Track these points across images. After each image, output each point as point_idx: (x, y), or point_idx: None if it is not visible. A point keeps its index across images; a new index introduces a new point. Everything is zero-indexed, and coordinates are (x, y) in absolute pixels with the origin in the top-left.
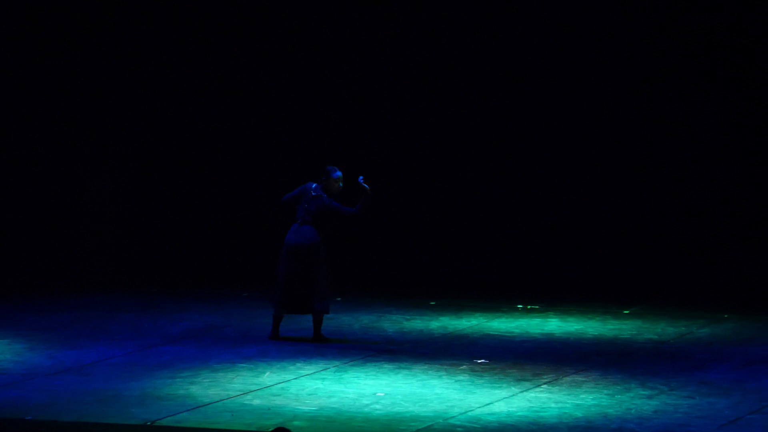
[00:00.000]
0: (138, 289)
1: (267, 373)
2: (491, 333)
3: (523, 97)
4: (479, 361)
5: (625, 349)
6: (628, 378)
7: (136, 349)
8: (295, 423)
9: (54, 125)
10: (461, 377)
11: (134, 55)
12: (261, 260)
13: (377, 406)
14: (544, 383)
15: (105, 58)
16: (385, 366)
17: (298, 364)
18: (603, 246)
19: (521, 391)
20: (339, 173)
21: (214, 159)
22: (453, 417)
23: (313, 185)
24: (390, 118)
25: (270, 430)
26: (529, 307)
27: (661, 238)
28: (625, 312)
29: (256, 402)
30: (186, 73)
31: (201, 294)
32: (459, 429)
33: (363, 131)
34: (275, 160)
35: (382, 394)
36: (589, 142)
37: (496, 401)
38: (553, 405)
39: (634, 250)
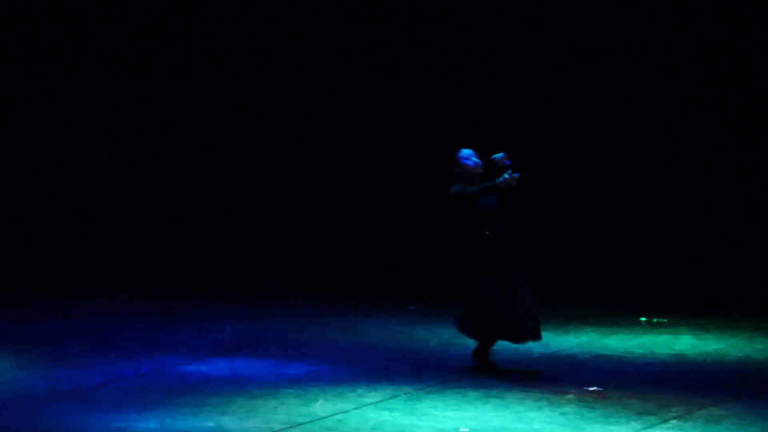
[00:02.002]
0: (153, 291)
1: (319, 402)
2: (606, 353)
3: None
4: (590, 389)
5: None
6: None
7: (153, 368)
8: None
9: (53, 124)
10: (567, 409)
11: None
12: (312, 258)
13: None
14: (674, 418)
15: (104, 60)
16: (470, 393)
17: (359, 390)
18: (748, 246)
19: (644, 428)
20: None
21: (239, 156)
22: None
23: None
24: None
25: None
26: (655, 320)
27: None
28: None
29: None
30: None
31: (235, 298)
32: None
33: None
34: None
35: (467, 430)
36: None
37: None
38: None
39: None
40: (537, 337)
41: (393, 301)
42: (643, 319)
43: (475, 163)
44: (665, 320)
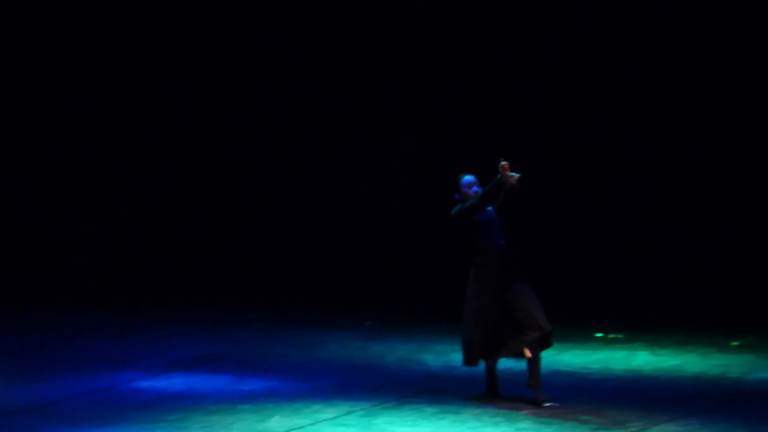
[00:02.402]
0: (114, 307)
1: (276, 418)
2: (562, 369)
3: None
4: (546, 405)
5: (733, 392)
6: (736, 428)
7: (110, 384)
8: None
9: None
10: (523, 425)
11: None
12: (269, 275)
13: None
14: None
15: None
16: (427, 410)
17: (316, 407)
18: (704, 263)
19: None
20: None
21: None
22: None
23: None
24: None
25: None
26: (611, 336)
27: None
28: (734, 344)
29: None
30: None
31: (193, 315)
32: None
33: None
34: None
35: None
36: (676, 155)
37: None
38: None
39: (744, 269)
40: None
41: (350, 317)
42: (599, 335)
43: (476, 192)
44: (621, 336)
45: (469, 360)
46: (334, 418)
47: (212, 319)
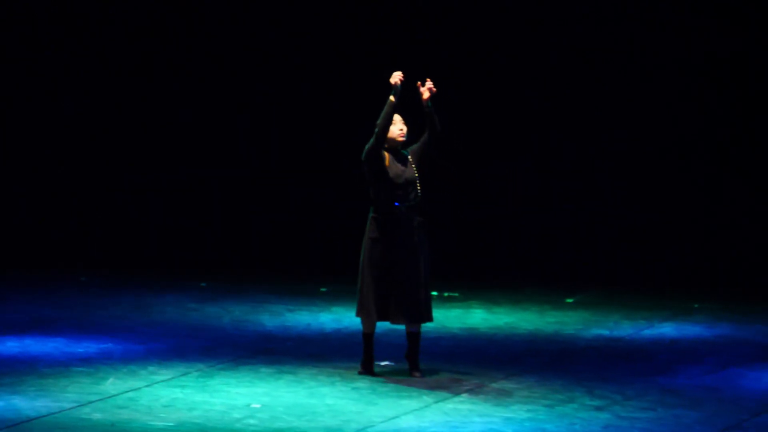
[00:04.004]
0: None
1: (110, 380)
2: (398, 328)
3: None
4: (382, 364)
5: (567, 349)
6: (571, 385)
7: None
8: None
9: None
10: (359, 384)
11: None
12: (104, 234)
13: (252, 421)
14: (465, 391)
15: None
16: (263, 370)
17: (151, 368)
18: (540, 222)
19: (436, 402)
20: None
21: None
22: None
23: None
24: None
25: None
26: (446, 294)
27: (615, 215)
28: (569, 301)
29: (97, 416)
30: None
31: (25, 277)
32: None
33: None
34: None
35: (258, 406)
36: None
37: (404, 414)
38: (476, 419)
39: (580, 228)
40: (426, 319)
41: (184, 278)
42: (434, 293)
43: (400, 129)
44: (456, 294)
45: (358, 311)
46: (170, 379)
47: (45, 281)
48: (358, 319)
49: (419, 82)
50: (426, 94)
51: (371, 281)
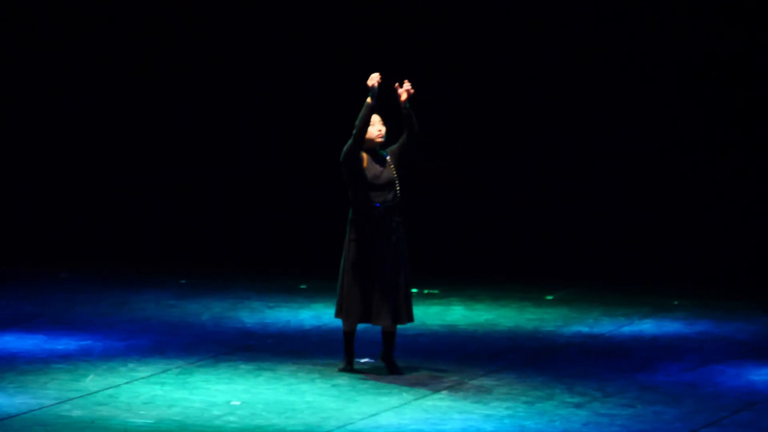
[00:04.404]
0: None
1: (90, 376)
2: (377, 325)
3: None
4: (362, 361)
5: (547, 345)
6: (551, 381)
7: None
8: None
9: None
10: (339, 381)
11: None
12: (89, 231)
13: (232, 418)
14: (445, 388)
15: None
16: (242, 367)
17: (131, 365)
18: (521, 219)
19: (416, 399)
20: None
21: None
22: (329, 431)
23: None
24: None
25: None
26: (426, 291)
27: (595, 209)
28: (548, 298)
29: (76, 413)
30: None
31: (4, 274)
32: None
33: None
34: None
35: (238, 403)
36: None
37: (384, 411)
38: (456, 416)
39: (560, 224)
40: (408, 320)
41: (165, 275)
42: (414, 290)
43: (379, 130)
44: (436, 291)
45: (337, 312)
46: (150, 376)
47: (25, 278)
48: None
49: (397, 84)
50: (404, 96)
51: (352, 281)
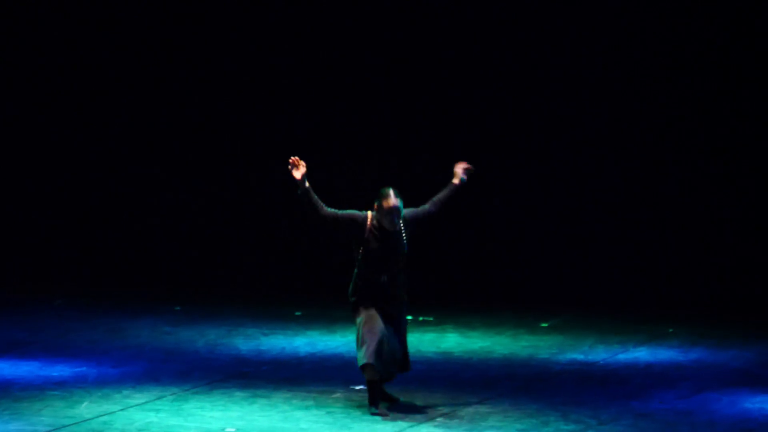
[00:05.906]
0: None
1: (85, 403)
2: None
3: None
4: (357, 388)
5: (542, 373)
6: (545, 408)
7: None
8: None
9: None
10: (334, 408)
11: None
12: (80, 260)
13: None
14: (440, 416)
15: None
16: (237, 394)
17: (125, 392)
18: (516, 245)
19: (410, 426)
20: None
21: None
22: None
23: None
24: None
25: None
26: (421, 318)
27: (590, 237)
28: (543, 325)
29: None
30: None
31: (2, 300)
32: None
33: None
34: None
35: (233, 430)
36: (504, 137)
37: None
38: None
39: (554, 251)
40: (408, 368)
41: (159, 302)
42: (409, 317)
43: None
44: (431, 318)
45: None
46: (145, 403)
47: (19, 305)
48: (333, 343)
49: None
50: (461, 171)
51: (373, 330)
